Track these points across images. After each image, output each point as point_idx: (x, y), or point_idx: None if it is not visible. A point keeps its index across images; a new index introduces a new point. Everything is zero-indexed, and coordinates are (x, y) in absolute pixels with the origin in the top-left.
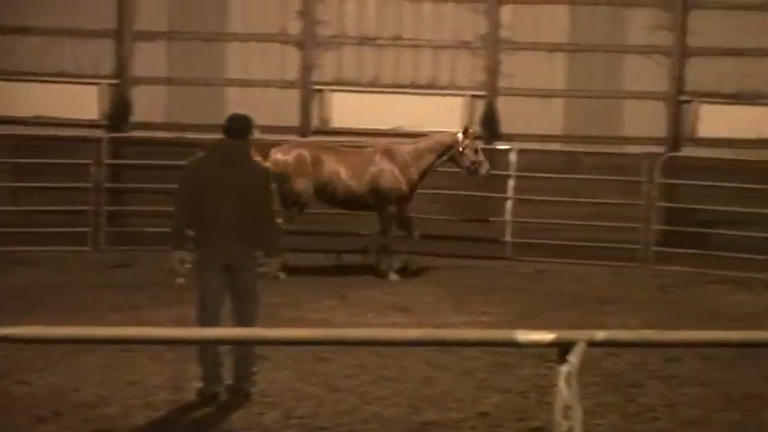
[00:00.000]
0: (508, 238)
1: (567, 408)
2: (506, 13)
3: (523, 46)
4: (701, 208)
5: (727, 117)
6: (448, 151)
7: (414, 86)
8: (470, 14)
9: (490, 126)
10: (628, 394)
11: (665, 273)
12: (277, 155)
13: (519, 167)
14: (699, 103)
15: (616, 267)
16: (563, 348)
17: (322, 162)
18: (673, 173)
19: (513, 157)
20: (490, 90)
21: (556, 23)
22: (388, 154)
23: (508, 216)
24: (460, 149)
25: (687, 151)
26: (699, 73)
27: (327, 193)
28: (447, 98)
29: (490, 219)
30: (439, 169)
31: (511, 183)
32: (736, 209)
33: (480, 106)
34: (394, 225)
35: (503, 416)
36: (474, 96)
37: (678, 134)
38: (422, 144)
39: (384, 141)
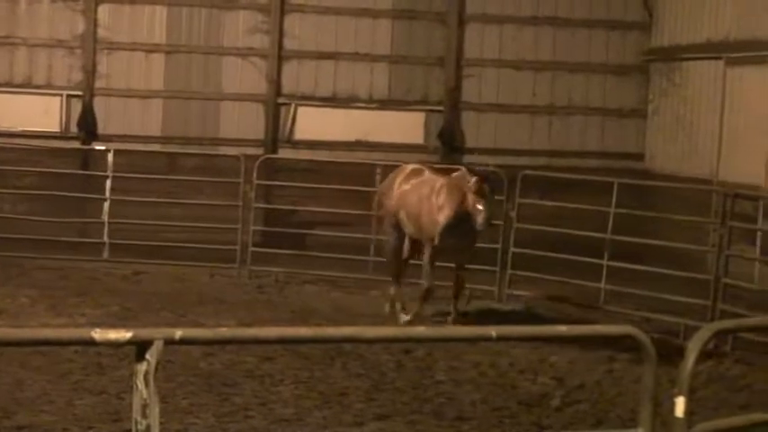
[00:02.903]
0: (105, 239)
1: (146, 406)
2: (104, 12)
3: (121, 46)
4: (299, 209)
5: (323, 119)
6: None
7: (8, 85)
8: (67, 13)
9: (87, 126)
10: (222, 393)
11: (262, 273)
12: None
13: (117, 168)
14: (296, 105)
15: (215, 268)
16: (141, 347)
17: (402, 182)
18: (270, 174)
19: (110, 157)
20: (87, 90)
21: (154, 24)
22: (439, 187)
23: (105, 217)
24: (464, 190)
25: (284, 153)
26: (295, 76)
27: (398, 218)
28: (43, 98)
29: (87, 220)
30: (29, 169)
31: (108, 183)
32: (333, 210)
33: (77, 106)
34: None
35: (97, 417)
36: (70, 96)
37: (276, 136)
38: (454, 177)
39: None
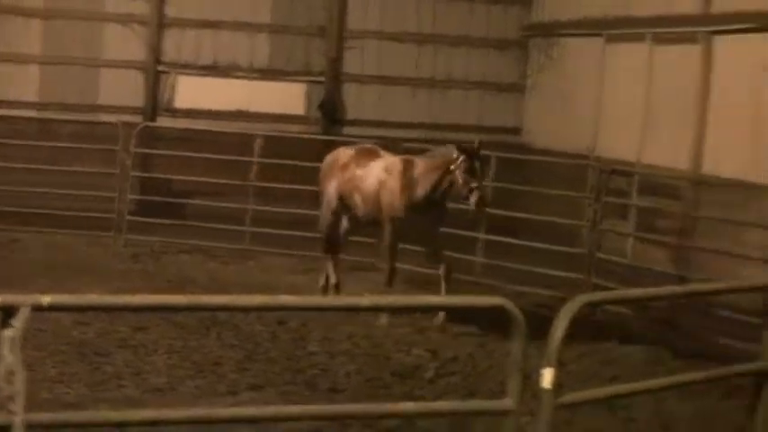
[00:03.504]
0: None
1: (11, 373)
2: None
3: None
4: (177, 178)
5: (203, 88)
6: (448, 171)
7: None
8: None
9: None
10: (94, 362)
11: (138, 242)
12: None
13: None
14: (176, 73)
15: (91, 237)
16: (7, 313)
17: (350, 164)
18: (149, 143)
19: None
20: None
21: None
22: (406, 165)
23: None
24: (451, 168)
25: (164, 121)
26: (176, 44)
27: (347, 201)
28: None
29: None
30: None
31: None
32: (211, 179)
33: None
34: (392, 256)
35: None
36: None
37: (155, 104)
38: (434, 159)
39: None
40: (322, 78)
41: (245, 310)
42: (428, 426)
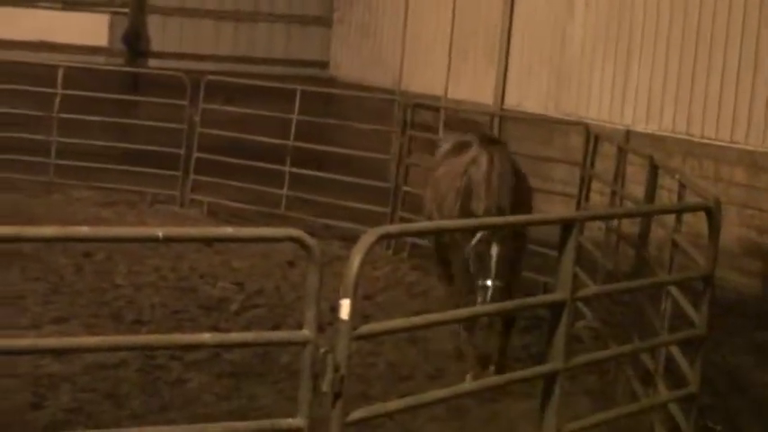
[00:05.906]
0: None
1: None
2: None
3: None
4: None
5: (4, 18)
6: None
7: None
8: None
9: None
10: None
11: None
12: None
13: None
14: None
15: None
16: None
17: (441, 162)
18: None
19: None
20: None
21: None
22: (494, 152)
23: None
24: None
25: None
26: None
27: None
28: None
29: None
30: None
31: None
32: (14, 111)
33: None
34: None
35: None
36: None
37: None
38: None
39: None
40: (126, 9)
41: (39, 240)
42: (235, 358)
